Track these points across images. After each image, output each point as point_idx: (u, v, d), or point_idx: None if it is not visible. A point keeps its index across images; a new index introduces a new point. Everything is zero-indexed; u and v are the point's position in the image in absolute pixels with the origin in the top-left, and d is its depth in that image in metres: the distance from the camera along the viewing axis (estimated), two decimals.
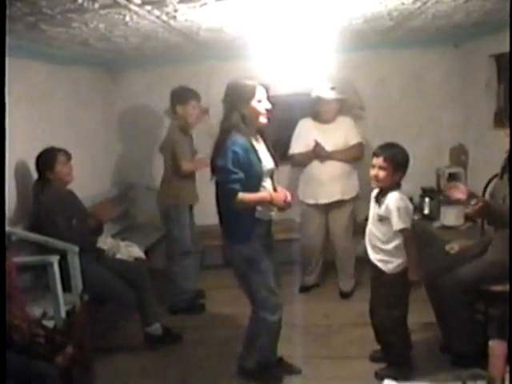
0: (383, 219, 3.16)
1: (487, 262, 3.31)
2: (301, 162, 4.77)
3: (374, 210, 3.29)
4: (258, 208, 3.15)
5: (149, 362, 3.80)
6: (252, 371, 3.41)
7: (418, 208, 5.22)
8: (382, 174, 3.14)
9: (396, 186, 3.18)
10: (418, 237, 5.08)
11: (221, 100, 3.20)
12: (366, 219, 3.42)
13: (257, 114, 3.11)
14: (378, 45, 5.13)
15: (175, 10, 2.91)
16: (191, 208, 4.62)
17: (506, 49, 4.31)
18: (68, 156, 3.80)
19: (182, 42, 4.07)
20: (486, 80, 4.83)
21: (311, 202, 4.72)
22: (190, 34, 3.79)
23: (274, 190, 3.24)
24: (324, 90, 4.58)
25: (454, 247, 3.94)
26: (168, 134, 4.50)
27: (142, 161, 5.61)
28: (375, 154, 3.18)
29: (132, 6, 2.71)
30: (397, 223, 3.08)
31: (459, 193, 3.23)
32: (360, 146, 4.70)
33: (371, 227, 3.29)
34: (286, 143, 4.82)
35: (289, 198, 3.15)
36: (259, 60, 4.24)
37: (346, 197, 4.66)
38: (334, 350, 3.82)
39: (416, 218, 5.13)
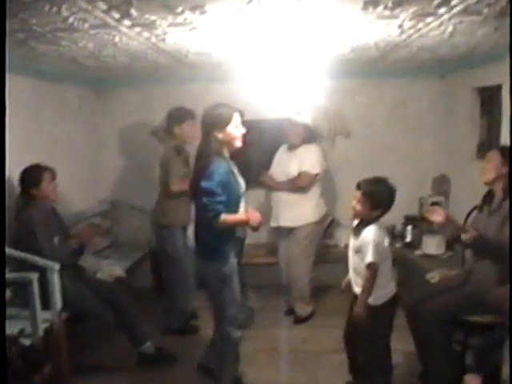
0: (359, 251, 3.15)
1: (466, 292, 3.33)
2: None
3: (352, 241, 3.26)
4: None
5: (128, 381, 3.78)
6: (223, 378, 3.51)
7: (400, 236, 5.26)
8: (358, 207, 3.14)
9: (376, 218, 3.16)
10: (400, 264, 5.15)
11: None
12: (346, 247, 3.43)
13: (232, 138, 3.26)
14: (364, 74, 5.20)
15: (164, 33, 2.93)
16: (185, 228, 4.59)
17: (490, 82, 4.43)
18: (53, 174, 3.78)
19: (170, 63, 4.10)
20: (470, 112, 4.91)
21: (271, 224, 4.79)
22: (178, 57, 3.82)
23: (245, 209, 3.38)
24: (290, 113, 4.61)
25: (434, 277, 3.97)
26: (164, 154, 4.49)
27: (128, 179, 5.60)
28: (357, 187, 3.17)
29: (122, 28, 2.73)
30: (368, 256, 3.05)
31: (438, 216, 3.24)
32: (306, 176, 4.58)
33: (351, 259, 3.27)
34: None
35: (261, 219, 3.28)
36: (246, 84, 4.27)
37: (295, 224, 4.63)
38: (312, 377, 3.81)
39: (398, 245, 5.18)
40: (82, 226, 4.13)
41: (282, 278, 4.93)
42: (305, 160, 4.60)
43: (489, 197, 3.40)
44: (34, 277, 3.21)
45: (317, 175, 4.61)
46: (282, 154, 4.80)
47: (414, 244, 5.03)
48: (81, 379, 3.59)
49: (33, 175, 3.70)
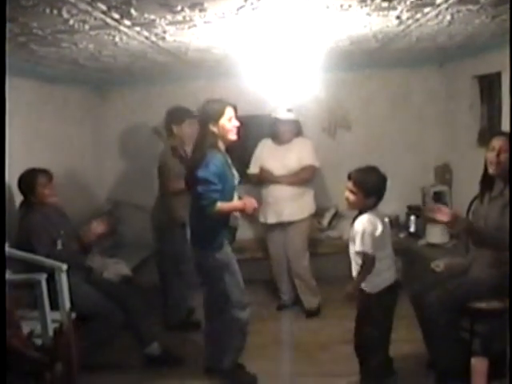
0: (352, 241, 3.18)
1: (471, 279, 3.35)
2: (256, 183, 4.86)
3: (350, 232, 3.28)
4: (232, 214, 3.47)
5: (136, 381, 3.80)
6: (230, 370, 3.64)
7: (404, 226, 5.28)
8: (351, 197, 3.16)
9: (370, 208, 3.17)
10: (404, 254, 5.17)
11: None
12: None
13: (226, 131, 3.42)
14: (364, 65, 5.21)
15: (164, 32, 2.95)
16: (184, 225, 4.59)
17: (489, 70, 4.44)
18: (49, 177, 3.75)
19: (170, 61, 4.12)
20: (470, 100, 4.92)
21: (262, 220, 4.81)
22: (178, 54, 3.83)
23: (240, 199, 3.57)
24: (280, 111, 4.65)
25: (439, 265, 3.98)
26: (161, 153, 4.51)
27: (131, 179, 5.63)
28: (348, 177, 3.19)
29: (122, 28, 2.75)
30: (358, 245, 3.08)
31: (442, 215, 3.21)
32: (310, 169, 4.68)
33: (351, 248, 3.28)
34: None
35: (256, 205, 3.48)
36: (247, 80, 4.28)
37: (296, 218, 4.67)
38: (321, 367, 3.83)
39: (402, 235, 5.20)
40: (86, 227, 4.12)
41: (272, 273, 5.00)
42: (304, 153, 4.66)
43: (488, 183, 3.38)
44: (43, 277, 3.23)
45: (316, 168, 4.72)
46: (270, 148, 4.80)
47: (418, 234, 5.05)
48: (90, 378, 3.62)
49: (26, 180, 3.69)
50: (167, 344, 4.07)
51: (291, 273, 4.82)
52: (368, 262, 3.11)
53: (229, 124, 3.41)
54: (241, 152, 4.47)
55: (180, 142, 4.47)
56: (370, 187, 3.11)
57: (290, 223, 4.68)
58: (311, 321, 4.69)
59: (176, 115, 4.48)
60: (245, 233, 3.90)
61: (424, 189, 5.35)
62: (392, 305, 3.26)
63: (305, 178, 4.67)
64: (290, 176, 4.66)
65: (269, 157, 4.75)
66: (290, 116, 4.66)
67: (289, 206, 4.65)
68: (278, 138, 4.76)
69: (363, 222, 3.11)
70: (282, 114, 4.65)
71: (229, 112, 3.41)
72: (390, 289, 3.21)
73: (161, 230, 4.54)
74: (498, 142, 3.23)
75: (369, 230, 3.09)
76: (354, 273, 3.26)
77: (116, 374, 3.85)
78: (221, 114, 3.39)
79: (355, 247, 3.12)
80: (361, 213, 3.19)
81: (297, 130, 4.75)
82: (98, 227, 3.92)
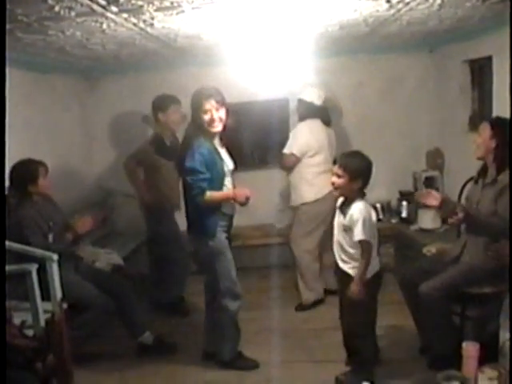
0: (347, 229, 3.16)
1: (463, 264, 3.36)
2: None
3: (338, 219, 3.26)
4: (224, 204, 3.48)
5: (129, 370, 3.79)
6: (229, 361, 3.68)
7: (396, 211, 5.30)
8: (338, 181, 3.16)
9: (360, 195, 3.16)
10: (396, 240, 5.19)
11: None
12: None
13: (205, 122, 3.38)
14: (354, 50, 5.19)
15: (152, 18, 2.91)
16: (173, 212, 4.64)
17: (479, 54, 4.43)
18: (47, 169, 3.73)
19: (159, 48, 4.08)
20: (461, 85, 4.91)
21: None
22: (167, 41, 3.79)
23: (234, 187, 3.57)
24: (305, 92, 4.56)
25: (431, 250, 4.00)
26: (145, 141, 4.63)
27: (121, 167, 5.59)
28: (334, 162, 3.23)
29: (109, 14, 2.71)
30: (358, 234, 3.07)
31: (432, 199, 3.22)
32: (284, 156, 4.56)
33: (337, 237, 3.27)
34: (264, 148, 4.85)
35: (248, 194, 3.43)
36: (236, 66, 4.26)
37: (294, 204, 4.67)
38: (314, 354, 3.85)
39: (394, 221, 5.22)
40: (77, 217, 4.10)
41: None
42: (289, 139, 4.57)
43: (483, 170, 3.39)
44: (34, 268, 3.21)
45: (293, 155, 4.49)
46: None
47: (410, 219, 5.06)
48: (83, 368, 3.61)
49: (29, 170, 3.64)
50: (160, 331, 4.09)
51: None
52: (368, 251, 3.11)
53: (206, 116, 3.37)
54: (235, 138, 4.45)
55: (166, 129, 4.54)
56: (354, 170, 3.11)
57: (293, 208, 4.73)
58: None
59: (161, 102, 4.53)
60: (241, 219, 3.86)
61: (415, 174, 5.36)
62: (377, 292, 3.28)
63: (281, 164, 4.67)
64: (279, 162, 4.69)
65: None
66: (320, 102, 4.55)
67: (291, 191, 4.68)
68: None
69: (361, 210, 3.10)
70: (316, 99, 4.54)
71: (207, 104, 3.36)
72: (376, 276, 3.22)
73: (149, 216, 4.67)
74: (483, 128, 3.28)
75: (367, 217, 3.10)
76: (341, 264, 3.26)
77: (109, 363, 3.85)
78: (198, 106, 3.38)
79: (354, 236, 3.09)
80: (347, 200, 3.19)
81: (305, 112, 4.57)
82: (87, 222, 3.92)
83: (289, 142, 4.53)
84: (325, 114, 4.64)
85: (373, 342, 3.39)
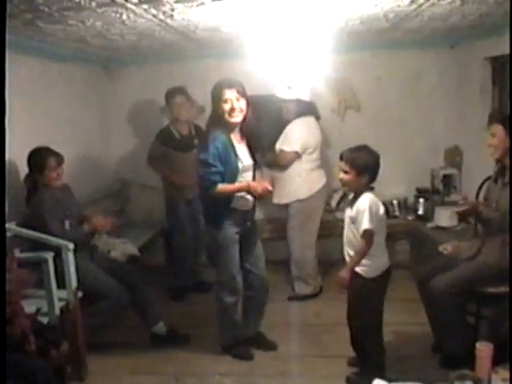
0: (354, 221, 3.13)
1: (480, 263, 3.33)
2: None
3: (347, 213, 3.24)
4: (237, 196, 3.44)
5: (142, 359, 3.81)
6: (226, 347, 3.79)
7: (413, 208, 5.26)
8: (345, 177, 3.13)
9: (367, 189, 3.14)
10: (412, 237, 5.16)
11: None
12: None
13: (226, 112, 3.36)
14: (374, 45, 5.14)
15: (172, 9, 2.91)
16: (191, 203, 4.72)
17: (501, 52, 4.36)
18: (58, 160, 3.71)
19: (178, 40, 4.08)
20: (481, 82, 4.85)
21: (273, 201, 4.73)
22: (186, 33, 3.79)
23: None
24: (280, 89, 4.50)
25: (447, 248, 3.95)
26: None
27: (138, 158, 5.61)
28: (340, 157, 3.17)
29: (129, 5, 2.72)
30: (365, 223, 3.04)
31: None
32: (280, 154, 4.52)
33: (347, 232, 3.24)
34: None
35: (268, 187, 3.38)
36: (256, 60, 4.23)
37: (286, 201, 4.60)
38: (326, 349, 3.84)
39: (410, 218, 5.18)
40: (95, 213, 4.13)
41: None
42: (286, 136, 4.52)
43: (502, 169, 3.36)
44: (50, 256, 3.25)
45: (296, 153, 4.45)
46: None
47: (427, 216, 5.02)
48: (96, 356, 3.65)
49: (36, 161, 3.67)
50: (173, 321, 4.12)
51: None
52: (368, 242, 3.08)
53: (226, 106, 3.35)
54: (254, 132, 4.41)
55: (176, 120, 4.74)
56: (361, 165, 3.08)
57: (284, 206, 4.68)
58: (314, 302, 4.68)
59: (167, 94, 4.72)
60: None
61: (433, 171, 5.32)
62: (385, 290, 3.26)
63: (277, 162, 4.58)
64: (270, 160, 4.64)
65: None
66: (289, 94, 4.50)
67: (278, 188, 4.44)
68: (283, 119, 4.59)
69: (368, 201, 3.08)
70: (280, 92, 4.50)
71: (228, 93, 3.35)
72: (385, 273, 3.20)
73: (169, 206, 4.84)
74: (496, 130, 3.28)
75: (374, 209, 3.08)
76: (347, 258, 3.24)
77: (122, 352, 3.87)
78: (219, 95, 3.37)
79: (361, 226, 3.07)
80: (357, 194, 3.16)
81: (299, 108, 4.52)
82: (108, 223, 3.97)
83: (288, 140, 4.49)
84: (316, 110, 4.73)
85: (380, 342, 3.33)
